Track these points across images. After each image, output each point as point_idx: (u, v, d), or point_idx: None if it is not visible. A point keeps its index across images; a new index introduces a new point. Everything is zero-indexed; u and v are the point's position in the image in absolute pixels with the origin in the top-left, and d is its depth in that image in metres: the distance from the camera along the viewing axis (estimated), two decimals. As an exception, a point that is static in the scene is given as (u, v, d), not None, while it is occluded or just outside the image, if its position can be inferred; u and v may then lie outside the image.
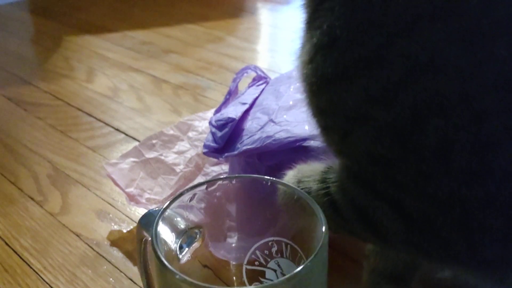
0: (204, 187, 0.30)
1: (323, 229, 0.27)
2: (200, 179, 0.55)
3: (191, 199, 0.30)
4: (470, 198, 0.25)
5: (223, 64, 0.89)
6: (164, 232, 0.30)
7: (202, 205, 0.32)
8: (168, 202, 0.29)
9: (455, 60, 0.24)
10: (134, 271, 0.46)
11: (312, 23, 0.29)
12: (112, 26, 1.07)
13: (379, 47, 0.25)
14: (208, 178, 0.55)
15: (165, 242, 0.30)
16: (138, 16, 1.13)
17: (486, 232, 0.26)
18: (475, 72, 0.24)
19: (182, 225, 0.31)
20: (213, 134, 0.48)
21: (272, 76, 0.62)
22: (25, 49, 0.98)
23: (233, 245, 0.37)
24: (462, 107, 0.24)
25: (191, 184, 0.54)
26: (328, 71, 0.27)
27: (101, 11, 1.16)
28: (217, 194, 0.31)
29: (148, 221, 0.32)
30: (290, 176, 0.36)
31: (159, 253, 0.27)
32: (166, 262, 0.26)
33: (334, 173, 0.32)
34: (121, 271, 0.46)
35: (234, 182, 0.31)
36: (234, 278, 0.36)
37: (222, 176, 0.49)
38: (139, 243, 0.33)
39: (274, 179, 0.30)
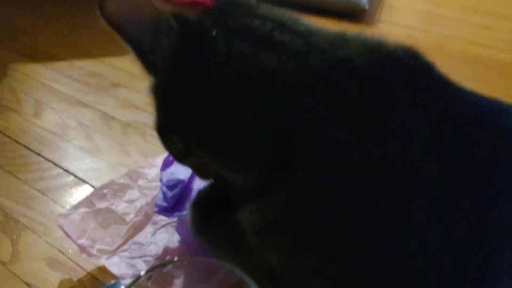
0: (160, 269, 0.35)
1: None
2: (149, 228, 0.59)
3: (148, 279, 0.35)
4: None
5: (171, 101, 0.92)
6: (123, 309, 0.34)
7: (157, 281, 0.36)
8: (128, 284, 0.34)
9: (386, 222, 0.31)
10: (85, 321, 0.49)
11: (261, 194, 0.34)
12: (59, 53, 1.07)
13: (332, 223, 0.32)
14: (157, 227, 0.59)
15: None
16: (85, 43, 1.14)
17: None
18: (401, 227, 0.32)
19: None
20: (164, 193, 0.52)
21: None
22: (-32, 76, 0.96)
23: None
24: (395, 256, 0.32)
25: (140, 235, 0.57)
26: (288, 245, 0.34)
27: (47, 36, 1.15)
28: (171, 273, 0.36)
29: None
30: None
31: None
32: None
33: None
34: (72, 322, 0.49)
35: (186, 263, 0.36)
36: None
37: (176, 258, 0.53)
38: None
39: (220, 261, 0.35)
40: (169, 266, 0.35)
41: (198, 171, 0.43)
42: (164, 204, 0.51)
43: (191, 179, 0.54)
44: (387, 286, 0.32)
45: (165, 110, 0.37)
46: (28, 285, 0.53)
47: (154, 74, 0.38)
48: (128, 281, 0.35)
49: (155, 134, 0.81)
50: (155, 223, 0.59)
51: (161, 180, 0.54)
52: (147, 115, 0.87)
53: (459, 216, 0.32)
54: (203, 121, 0.36)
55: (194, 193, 0.52)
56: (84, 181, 0.69)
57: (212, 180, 0.43)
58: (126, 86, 0.96)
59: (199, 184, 0.53)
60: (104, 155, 0.75)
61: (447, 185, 0.32)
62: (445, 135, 0.32)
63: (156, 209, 0.52)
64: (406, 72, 0.34)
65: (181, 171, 0.54)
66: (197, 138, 0.37)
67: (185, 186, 0.52)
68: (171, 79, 0.36)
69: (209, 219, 0.40)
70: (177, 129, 0.37)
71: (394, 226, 0.31)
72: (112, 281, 0.36)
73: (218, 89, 0.34)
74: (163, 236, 0.58)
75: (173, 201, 0.51)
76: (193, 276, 0.40)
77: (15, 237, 0.59)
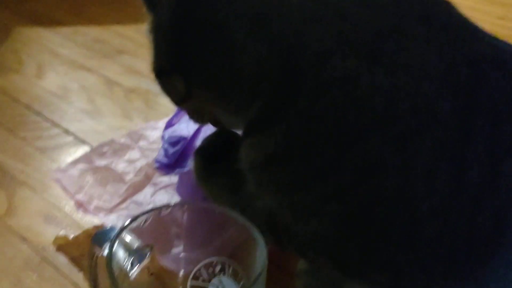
0: (158, 211, 0.33)
1: (264, 257, 0.31)
2: (148, 188, 0.57)
3: (145, 222, 0.33)
4: (402, 261, 0.31)
5: (176, 70, 0.90)
6: (118, 251, 0.33)
7: (154, 226, 0.34)
8: (124, 225, 0.32)
9: (391, 159, 0.29)
10: (79, 277, 0.48)
11: (262, 127, 0.32)
12: (64, 19, 1.05)
13: (333, 159, 0.30)
14: (157, 188, 0.57)
15: (118, 261, 0.32)
16: (90, 10, 1.12)
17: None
18: (407, 166, 0.29)
19: (134, 245, 0.33)
20: (165, 150, 0.50)
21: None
22: (-30, 36, 0.95)
23: (179, 256, 0.40)
24: (398, 197, 0.29)
25: (139, 194, 0.56)
26: (286, 181, 0.32)
27: (52, 1, 1.13)
28: (169, 217, 0.34)
29: (100, 239, 0.34)
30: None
31: (114, 274, 0.29)
32: (119, 283, 0.29)
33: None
34: (66, 277, 0.48)
35: (186, 208, 0.34)
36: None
37: (175, 202, 0.52)
38: (90, 259, 0.36)
39: (224, 208, 0.34)
40: (167, 210, 0.34)
41: (195, 115, 0.41)
42: (165, 160, 0.50)
43: (193, 136, 0.52)
44: (387, 230, 0.30)
45: (169, 48, 0.36)
46: (23, 238, 0.52)
47: (156, 12, 0.37)
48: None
49: (158, 101, 0.79)
50: (155, 184, 0.58)
51: (163, 138, 0.53)
52: (150, 82, 0.85)
53: (472, 160, 0.29)
54: (207, 58, 0.34)
55: (196, 151, 0.51)
56: (83, 142, 0.68)
57: (214, 128, 0.42)
58: (130, 53, 0.94)
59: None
60: (105, 118, 0.74)
61: (461, 125, 0.29)
62: (461, 75, 0.30)
63: (156, 164, 0.50)
64: (423, 7, 0.32)
65: (183, 129, 0.52)
66: (200, 77, 0.35)
67: (187, 143, 0.51)
68: (177, 15, 0.35)
69: (211, 167, 0.39)
70: (180, 68, 0.35)
71: (399, 164, 0.29)
72: (108, 227, 0.35)
73: (223, 23, 0.33)
74: (163, 197, 0.56)
75: (174, 157, 0.49)
76: (195, 240, 0.38)
77: (11, 191, 0.58)
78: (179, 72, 0.36)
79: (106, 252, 0.34)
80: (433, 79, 0.30)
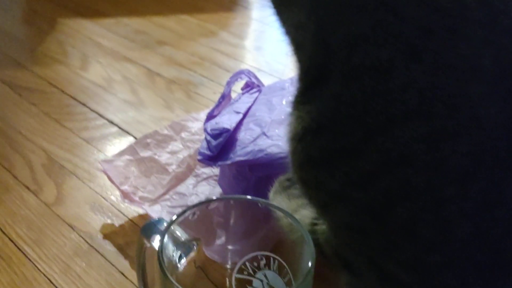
0: (205, 205, 0.34)
1: (312, 253, 0.31)
2: (191, 180, 0.58)
3: (193, 215, 0.34)
4: (431, 263, 0.30)
5: (215, 61, 0.91)
6: (167, 244, 0.33)
7: (202, 219, 0.35)
8: (173, 218, 0.33)
9: (422, 155, 0.28)
10: (125, 265, 0.49)
11: (302, 103, 0.33)
12: (106, 10, 1.07)
13: (359, 141, 0.29)
14: (199, 179, 0.58)
15: (167, 254, 0.33)
16: (131, 1, 1.13)
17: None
18: (439, 166, 0.28)
19: (182, 238, 0.34)
20: (208, 142, 0.51)
21: (262, 77, 0.65)
22: (18, 29, 0.98)
23: (225, 248, 0.41)
24: (426, 194, 0.28)
25: (182, 186, 0.57)
26: (315, 154, 0.32)
27: (95, -7, 1.16)
28: (216, 211, 0.35)
29: (148, 231, 0.35)
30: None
31: (164, 266, 0.30)
32: (169, 275, 0.30)
33: (322, 224, 0.36)
34: (113, 265, 0.49)
35: (232, 202, 0.34)
36: (224, 283, 0.40)
37: (222, 196, 0.53)
38: (139, 250, 0.37)
39: (268, 202, 0.34)
40: (214, 204, 0.34)
41: None
42: (208, 152, 0.50)
43: (236, 128, 0.52)
44: (412, 226, 0.29)
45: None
46: (71, 226, 0.54)
47: None
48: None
49: (198, 91, 0.80)
50: (196, 175, 0.58)
51: (205, 130, 0.53)
52: (191, 73, 0.86)
53: None
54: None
55: (238, 143, 0.51)
56: (127, 133, 0.69)
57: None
58: (171, 44, 0.95)
59: (244, 134, 0.51)
60: (147, 109, 0.75)
61: (507, 134, 0.28)
62: None
63: (199, 157, 0.51)
64: (489, 10, 0.29)
65: (226, 121, 0.53)
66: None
67: (230, 135, 0.51)
68: None
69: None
70: None
71: (431, 162, 0.28)
72: (156, 218, 0.35)
73: None
74: (205, 188, 0.57)
75: (217, 150, 0.50)
76: (238, 232, 0.39)
77: (60, 181, 0.60)
78: None
79: (154, 243, 0.35)
80: (481, 82, 0.28)
